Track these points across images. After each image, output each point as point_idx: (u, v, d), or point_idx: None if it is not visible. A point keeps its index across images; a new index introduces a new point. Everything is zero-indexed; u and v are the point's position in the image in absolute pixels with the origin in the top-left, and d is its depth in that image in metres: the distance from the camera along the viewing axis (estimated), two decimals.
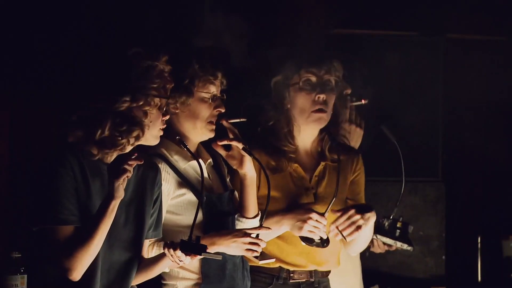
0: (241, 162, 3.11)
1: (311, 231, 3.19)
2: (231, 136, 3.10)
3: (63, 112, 2.82)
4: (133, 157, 2.63)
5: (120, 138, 2.70)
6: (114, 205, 2.62)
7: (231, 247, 2.94)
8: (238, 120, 3.16)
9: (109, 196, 2.61)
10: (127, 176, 2.61)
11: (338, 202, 3.30)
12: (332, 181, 3.34)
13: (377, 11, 4.39)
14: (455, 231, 4.64)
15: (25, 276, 3.18)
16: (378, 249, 3.68)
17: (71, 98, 2.89)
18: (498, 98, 4.56)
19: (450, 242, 4.59)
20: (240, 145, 3.09)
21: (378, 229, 3.54)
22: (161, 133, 2.83)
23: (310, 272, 3.33)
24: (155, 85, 2.72)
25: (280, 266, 3.29)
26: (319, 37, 3.48)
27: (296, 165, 3.32)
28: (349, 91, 3.65)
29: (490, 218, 4.70)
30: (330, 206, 3.23)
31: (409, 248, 3.57)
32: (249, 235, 2.95)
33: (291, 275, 3.31)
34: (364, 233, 3.28)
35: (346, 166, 3.39)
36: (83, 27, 3.76)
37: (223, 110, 3.11)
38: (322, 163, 3.36)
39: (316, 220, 3.18)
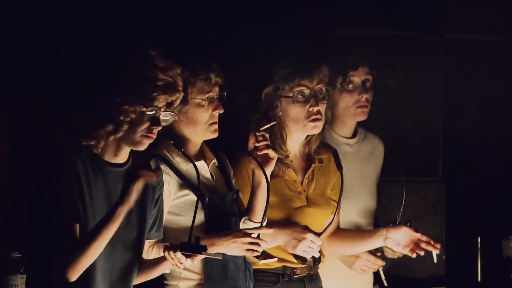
0: (265, 165, 3.11)
1: (305, 251, 3.23)
2: (263, 142, 3.11)
3: (63, 112, 2.82)
4: (153, 167, 2.65)
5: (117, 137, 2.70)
6: (121, 211, 2.64)
7: (231, 247, 2.94)
8: (269, 125, 3.17)
9: (119, 201, 2.65)
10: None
11: (324, 203, 3.38)
12: (319, 182, 3.40)
13: (377, 11, 4.39)
14: (455, 231, 4.64)
15: (25, 276, 3.17)
16: (390, 254, 3.67)
17: (71, 98, 2.89)
18: (498, 98, 4.55)
19: (450, 242, 4.59)
20: (271, 153, 3.11)
21: None
22: (143, 139, 2.72)
23: (310, 266, 3.40)
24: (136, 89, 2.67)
25: (284, 265, 3.35)
26: (311, 43, 3.48)
27: (289, 169, 3.35)
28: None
29: (490, 218, 4.69)
30: (327, 229, 3.32)
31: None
32: (249, 235, 2.95)
33: (295, 270, 3.37)
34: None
35: (328, 164, 3.45)
36: (82, 28, 3.76)
37: (222, 111, 3.10)
38: (313, 165, 3.41)
39: (311, 241, 3.21)
